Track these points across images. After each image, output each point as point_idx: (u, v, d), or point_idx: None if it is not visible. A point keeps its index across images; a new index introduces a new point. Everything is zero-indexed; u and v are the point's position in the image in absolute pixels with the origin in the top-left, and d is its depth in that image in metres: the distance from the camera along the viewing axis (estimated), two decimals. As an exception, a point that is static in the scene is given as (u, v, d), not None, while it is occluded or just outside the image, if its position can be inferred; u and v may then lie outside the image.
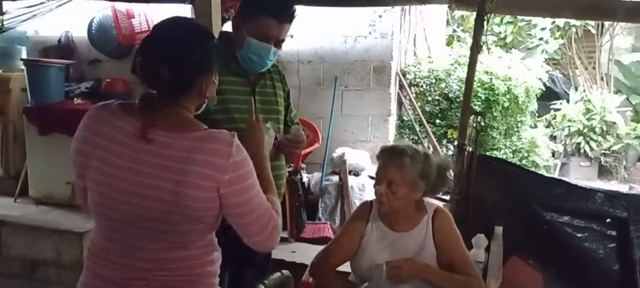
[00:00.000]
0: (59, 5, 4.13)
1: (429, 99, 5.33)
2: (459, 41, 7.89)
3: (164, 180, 1.32)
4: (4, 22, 4.62)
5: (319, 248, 2.24)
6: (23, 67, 5.10)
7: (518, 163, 5.15)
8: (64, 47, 5.53)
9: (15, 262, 3.66)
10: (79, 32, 5.44)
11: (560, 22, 7.42)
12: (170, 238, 1.39)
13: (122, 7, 5.00)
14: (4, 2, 5.45)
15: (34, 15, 4.14)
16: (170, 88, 1.38)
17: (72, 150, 1.44)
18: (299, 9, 4.62)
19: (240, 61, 2.01)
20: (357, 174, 4.51)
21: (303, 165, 4.60)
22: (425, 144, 5.00)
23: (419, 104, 5.24)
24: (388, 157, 2.00)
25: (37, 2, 4.20)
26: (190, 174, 1.32)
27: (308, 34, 5.01)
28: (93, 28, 5.29)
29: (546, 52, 7.72)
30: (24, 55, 5.55)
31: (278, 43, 2.01)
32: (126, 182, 1.35)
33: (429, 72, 5.36)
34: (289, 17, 2.02)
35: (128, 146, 1.35)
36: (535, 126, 6.87)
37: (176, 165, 1.32)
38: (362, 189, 4.36)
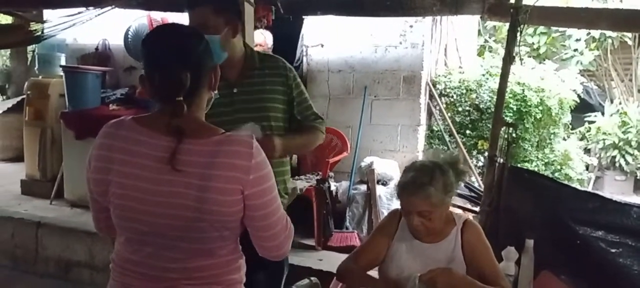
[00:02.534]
0: (98, 15, 4.24)
1: (460, 109, 5.29)
2: (490, 51, 7.80)
3: (189, 187, 1.32)
4: (45, 30, 4.77)
5: (345, 257, 2.24)
6: (62, 73, 5.27)
7: (550, 176, 5.05)
8: (101, 55, 5.69)
9: (51, 262, 3.76)
10: (116, 40, 5.59)
11: (596, 33, 7.28)
12: (197, 246, 1.39)
13: (158, 16, 5.12)
14: (45, 11, 5.66)
15: (74, 24, 4.26)
16: (191, 90, 1.37)
17: (90, 170, 1.43)
18: (330, 19, 4.65)
19: None
20: (385, 184, 4.50)
21: (331, 174, 4.61)
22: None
23: (449, 114, 5.20)
24: (410, 193, 1.94)
25: (77, 11, 4.33)
26: (214, 179, 1.32)
27: (338, 43, 5.05)
28: (129, 36, 5.43)
29: (581, 63, 7.57)
30: (63, 62, 5.74)
31: (211, 30, 1.88)
32: (151, 194, 1.35)
33: (459, 82, 5.32)
34: (190, 2, 1.96)
35: (150, 157, 1.35)
36: (569, 138, 6.73)
37: (200, 171, 1.32)
38: (390, 199, 4.34)
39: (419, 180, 1.93)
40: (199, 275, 1.41)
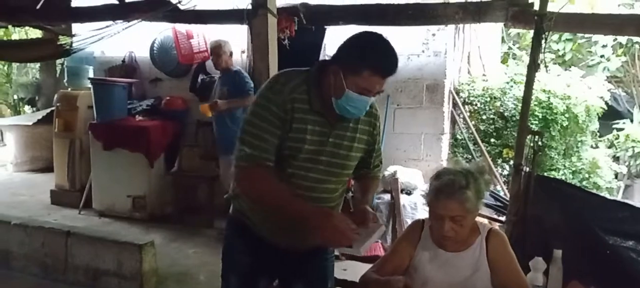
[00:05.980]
0: (126, 28, 4.33)
1: (484, 117, 5.24)
2: (514, 59, 7.73)
3: None
4: (73, 44, 4.88)
5: (369, 266, 2.22)
6: (90, 85, 5.39)
7: (578, 184, 4.96)
8: (128, 67, 5.81)
9: (80, 271, 3.82)
10: (142, 53, 5.71)
11: (623, 38, 7.15)
12: None
13: (182, 28, 5.21)
14: (73, 25, 5.81)
15: (102, 38, 4.36)
16: None
17: None
18: (352, 28, 4.65)
19: (335, 108, 1.93)
20: (409, 193, 4.47)
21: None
22: (480, 164, 4.90)
23: (473, 122, 5.15)
24: (448, 195, 1.90)
25: (104, 25, 4.43)
26: None
27: (361, 52, 5.04)
28: (155, 48, 5.53)
29: (608, 69, 7.44)
30: (91, 74, 5.87)
31: (376, 93, 1.94)
32: None
33: (483, 90, 5.27)
34: (394, 70, 1.96)
35: None
36: (597, 146, 6.60)
37: None
38: (414, 208, 4.31)
39: (457, 183, 1.90)
40: None
